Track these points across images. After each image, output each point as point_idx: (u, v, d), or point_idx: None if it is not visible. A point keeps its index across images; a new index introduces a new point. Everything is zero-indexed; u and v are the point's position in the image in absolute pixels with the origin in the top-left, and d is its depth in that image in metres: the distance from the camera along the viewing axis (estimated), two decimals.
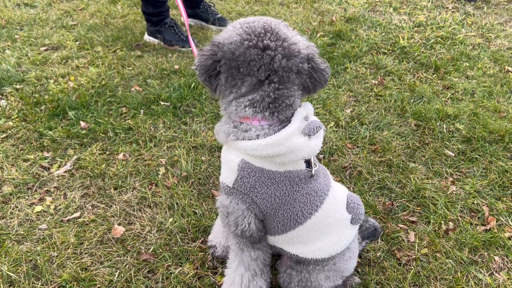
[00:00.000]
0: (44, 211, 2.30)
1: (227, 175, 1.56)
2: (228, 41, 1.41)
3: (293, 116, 1.50)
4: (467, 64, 3.72)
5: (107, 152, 2.70)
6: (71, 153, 2.68)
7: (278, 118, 1.49)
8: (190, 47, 3.95)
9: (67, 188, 2.45)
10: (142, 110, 3.07)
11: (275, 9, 4.86)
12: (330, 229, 1.65)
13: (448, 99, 3.26)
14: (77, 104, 3.07)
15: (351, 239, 1.73)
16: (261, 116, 1.46)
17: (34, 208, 2.31)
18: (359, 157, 2.70)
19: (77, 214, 2.28)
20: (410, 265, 2.05)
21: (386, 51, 3.96)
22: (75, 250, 2.09)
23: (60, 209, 2.31)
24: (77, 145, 2.74)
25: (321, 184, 1.62)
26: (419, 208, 2.36)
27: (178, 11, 4.74)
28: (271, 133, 1.47)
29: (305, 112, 1.53)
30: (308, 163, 1.59)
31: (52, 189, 2.44)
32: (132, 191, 2.44)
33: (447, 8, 4.96)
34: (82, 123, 2.90)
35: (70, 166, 2.57)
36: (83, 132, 2.83)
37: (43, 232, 2.17)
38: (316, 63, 1.47)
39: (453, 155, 2.72)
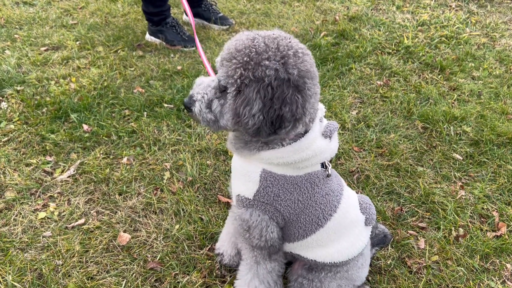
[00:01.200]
0: (48, 218, 2.26)
1: (248, 187, 1.52)
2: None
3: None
4: (473, 65, 3.68)
5: (111, 156, 2.66)
6: (74, 157, 2.63)
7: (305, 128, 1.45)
8: (192, 47, 3.90)
9: (71, 193, 2.41)
10: (145, 113, 3.02)
11: (277, 7, 4.81)
12: (347, 230, 1.64)
13: (454, 100, 3.23)
14: (79, 106, 3.02)
15: (366, 241, 1.72)
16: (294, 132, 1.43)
17: (37, 214, 2.27)
18: (366, 160, 2.67)
19: (82, 220, 2.24)
20: (421, 273, 2.03)
21: (390, 51, 3.92)
22: (81, 258, 2.05)
23: (64, 215, 2.27)
24: (80, 149, 2.70)
25: (335, 183, 1.62)
26: (428, 213, 2.34)
27: (180, 10, 4.69)
28: (296, 139, 1.44)
29: (320, 113, 1.51)
30: (322, 164, 1.57)
31: (55, 195, 2.40)
32: (137, 196, 2.41)
33: (451, 6, 4.92)
34: (85, 126, 2.86)
35: (74, 171, 2.53)
36: (86, 135, 2.79)
37: (48, 240, 2.14)
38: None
39: (461, 158, 2.69)
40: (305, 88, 1.30)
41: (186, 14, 4.39)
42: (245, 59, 1.29)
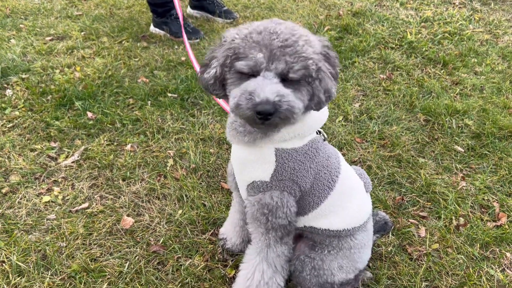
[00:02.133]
0: (52, 201, 2.28)
1: (264, 169, 1.55)
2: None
3: None
4: (475, 60, 3.70)
5: (115, 143, 2.68)
6: (78, 143, 2.65)
7: None
8: (197, 39, 3.92)
9: (75, 178, 2.43)
10: (149, 102, 3.04)
11: (281, 2, 4.82)
12: (353, 193, 1.70)
13: (457, 94, 3.24)
14: (83, 94, 3.04)
15: (371, 207, 1.78)
16: None
17: (42, 198, 2.29)
18: (368, 151, 2.69)
19: (86, 204, 2.26)
20: (421, 260, 2.04)
21: (393, 46, 3.93)
22: (84, 240, 2.07)
23: (68, 199, 2.29)
24: (85, 136, 2.72)
25: (331, 148, 1.69)
26: (429, 203, 2.35)
27: (184, 4, 4.71)
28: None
29: None
30: (317, 132, 1.64)
31: (60, 180, 2.42)
32: (140, 182, 2.43)
33: (454, 3, 4.93)
34: (89, 114, 2.88)
35: (78, 157, 2.55)
36: (90, 122, 2.81)
37: (52, 222, 2.16)
38: None
39: (463, 150, 2.71)
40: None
41: (191, 7, 4.41)
42: (305, 38, 1.36)
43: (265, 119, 1.30)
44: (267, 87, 1.29)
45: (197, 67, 2.15)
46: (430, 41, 4.02)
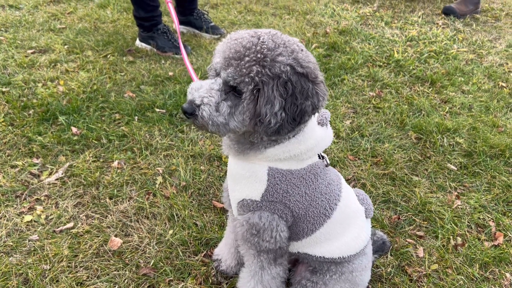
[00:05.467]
0: (34, 221, 2.15)
1: (255, 188, 1.46)
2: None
3: None
4: (462, 79, 3.73)
5: (101, 160, 2.58)
6: (62, 160, 2.54)
7: None
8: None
9: (59, 196, 2.31)
10: (136, 117, 2.95)
11: (268, 19, 4.82)
12: (351, 221, 1.62)
13: (446, 112, 3.25)
14: (67, 109, 2.93)
15: (369, 234, 1.70)
16: None
17: (23, 217, 2.16)
18: (362, 169, 2.65)
19: (71, 224, 2.15)
20: (421, 282, 1.99)
21: (381, 64, 3.94)
22: (69, 263, 1.96)
23: (52, 219, 2.17)
24: (69, 152, 2.61)
25: (333, 173, 1.60)
26: (426, 222, 2.31)
27: (170, 19, 4.65)
28: (297, 131, 1.41)
29: None
30: (319, 155, 1.54)
31: (42, 198, 2.29)
32: (128, 200, 2.32)
33: (437, 24, 5.01)
34: (74, 129, 2.77)
35: (62, 174, 2.44)
36: (75, 138, 2.70)
37: (34, 244, 2.03)
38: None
39: (456, 169, 2.69)
40: (319, 80, 1.29)
41: (181, 14, 4.34)
42: (258, 55, 1.24)
43: (187, 117, 1.33)
44: (201, 89, 1.31)
45: (195, 78, 2.08)
46: (416, 59, 4.05)
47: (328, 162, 1.55)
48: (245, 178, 1.49)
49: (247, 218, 1.49)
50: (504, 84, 3.68)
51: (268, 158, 1.41)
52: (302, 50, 1.31)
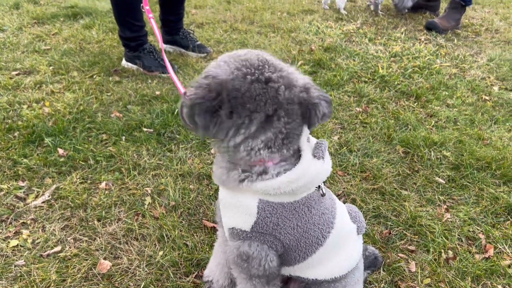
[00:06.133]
0: (20, 246, 2.10)
1: (244, 220, 1.43)
2: (230, 77, 1.28)
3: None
4: (446, 93, 3.79)
5: (88, 181, 2.54)
6: (49, 182, 2.50)
7: (293, 149, 1.40)
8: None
9: (46, 220, 2.26)
10: (123, 137, 2.93)
11: (253, 37, 4.86)
12: (344, 243, 1.59)
13: (432, 126, 3.29)
14: (53, 130, 2.90)
15: (361, 251, 1.68)
16: (279, 155, 1.37)
17: (9, 242, 2.11)
18: (351, 184, 2.65)
19: (58, 248, 2.10)
20: None
21: (366, 79, 3.99)
22: None
23: (38, 243, 2.13)
24: (55, 174, 2.57)
25: (328, 200, 1.57)
26: (417, 236, 2.31)
27: (155, 39, 4.66)
28: (290, 167, 1.38)
29: (305, 134, 1.47)
30: None
31: (29, 221, 2.25)
32: (117, 222, 2.28)
33: (420, 39, 5.11)
34: (60, 151, 2.73)
35: (49, 196, 2.39)
36: (62, 160, 2.66)
37: (21, 269, 1.98)
38: (311, 92, 1.34)
39: (444, 182, 2.71)
40: (244, 100, 1.29)
41: (164, 41, 4.37)
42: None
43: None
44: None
45: (182, 90, 2.07)
46: (401, 75, 4.11)
47: (324, 192, 1.49)
48: (235, 207, 1.46)
49: (237, 245, 1.47)
50: (487, 98, 3.75)
51: (258, 191, 1.38)
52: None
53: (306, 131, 1.47)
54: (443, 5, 6.20)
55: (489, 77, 4.17)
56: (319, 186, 1.48)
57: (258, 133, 1.31)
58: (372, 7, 6.00)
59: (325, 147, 1.44)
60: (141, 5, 3.29)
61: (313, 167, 1.37)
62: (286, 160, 1.40)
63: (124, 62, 3.97)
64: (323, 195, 1.49)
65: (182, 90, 2.06)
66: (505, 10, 6.48)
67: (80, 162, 2.67)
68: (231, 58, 1.34)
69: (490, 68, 4.37)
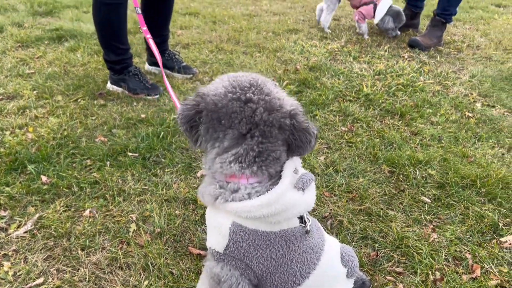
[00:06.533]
0: (1, 279, 2.06)
1: (217, 241, 1.44)
2: (213, 92, 1.38)
3: (282, 170, 1.43)
4: (430, 111, 3.83)
5: (72, 209, 2.50)
6: (31, 211, 2.46)
7: (268, 172, 1.41)
8: (156, 95, 3.85)
9: (28, 250, 2.22)
10: (108, 162, 2.90)
11: (239, 58, 4.89)
12: (328, 286, 1.56)
13: (417, 145, 3.31)
14: (37, 157, 2.86)
15: None
16: (249, 172, 1.38)
17: None
18: (338, 205, 2.65)
19: (41, 280, 2.06)
20: None
21: (351, 98, 4.02)
22: None
23: (20, 275, 2.08)
24: (38, 202, 2.53)
25: (316, 239, 1.55)
26: (404, 258, 2.31)
27: (141, 60, 4.67)
28: (263, 191, 1.39)
29: (294, 165, 1.47)
30: (301, 218, 1.51)
31: (10, 253, 2.20)
32: (101, 251, 2.25)
33: (403, 57, 5.18)
34: (43, 178, 2.69)
35: (31, 226, 2.35)
36: (45, 187, 2.63)
37: None
38: (298, 121, 1.39)
39: (430, 201, 2.72)
40: (219, 115, 1.37)
41: (149, 63, 4.37)
42: None
43: None
44: None
45: (178, 104, 2.11)
46: (385, 93, 4.15)
47: (309, 229, 1.48)
48: (213, 226, 1.49)
49: (211, 266, 1.48)
50: (470, 114, 3.79)
51: (231, 212, 1.39)
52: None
53: (294, 160, 1.48)
54: (424, 22, 6.31)
55: (471, 94, 4.22)
56: (305, 223, 1.48)
57: (230, 147, 1.37)
58: (358, 30, 6.01)
59: (308, 180, 1.44)
60: (139, 26, 3.34)
61: (289, 196, 1.37)
62: (261, 182, 1.41)
63: (109, 85, 3.95)
64: (307, 232, 1.48)
65: (178, 104, 2.12)
66: (486, 27, 6.61)
67: (64, 189, 2.63)
68: (226, 77, 1.43)
69: (473, 85, 4.43)
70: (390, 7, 5.61)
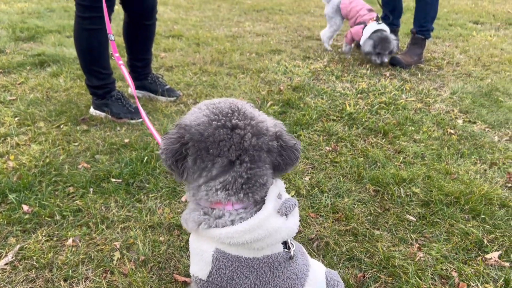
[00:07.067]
0: None
1: (200, 268, 1.43)
2: (196, 122, 1.36)
3: (266, 195, 1.43)
4: (413, 128, 3.87)
5: (55, 238, 2.46)
6: (12, 241, 2.41)
7: (254, 199, 1.41)
8: (140, 119, 3.84)
9: (9, 283, 2.16)
10: (91, 189, 2.87)
11: (223, 79, 4.91)
12: None
13: (401, 163, 3.34)
14: (18, 185, 2.82)
15: None
16: (235, 199, 1.38)
17: None
18: (324, 226, 2.64)
19: None
20: None
21: (335, 117, 4.05)
22: None
23: None
24: (20, 232, 2.48)
25: (300, 264, 1.54)
26: (391, 278, 2.30)
27: (124, 84, 4.66)
28: (247, 217, 1.39)
29: (277, 190, 1.47)
30: (285, 243, 1.50)
31: None
32: (84, 281, 2.20)
33: (385, 75, 5.25)
34: (25, 207, 2.65)
35: (12, 257, 2.30)
36: (26, 217, 2.58)
37: None
38: (284, 140, 1.43)
39: (415, 219, 2.73)
40: (207, 144, 1.36)
41: (136, 79, 4.36)
42: None
43: None
44: None
45: (157, 137, 2.07)
46: (368, 111, 4.19)
47: (292, 254, 1.47)
48: (196, 253, 1.47)
49: None
50: (452, 131, 3.84)
51: (214, 239, 1.38)
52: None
53: (278, 184, 1.48)
54: (405, 40, 6.43)
55: (453, 110, 4.29)
56: (288, 248, 1.47)
57: (218, 175, 1.36)
58: (343, 50, 6.06)
59: (292, 205, 1.43)
60: (111, 53, 3.31)
61: (272, 222, 1.37)
62: (246, 208, 1.41)
63: (92, 110, 3.93)
64: (291, 257, 1.47)
65: (157, 137, 2.09)
66: (465, 43, 6.76)
67: (46, 218, 2.59)
68: (204, 105, 1.41)
69: (454, 101, 4.51)
70: (377, 31, 5.37)
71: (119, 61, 3.14)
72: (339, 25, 5.93)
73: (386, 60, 5.48)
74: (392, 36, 5.43)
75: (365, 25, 5.48)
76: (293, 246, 1.51)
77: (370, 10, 5.62)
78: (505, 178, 3.17)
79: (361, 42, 5.52)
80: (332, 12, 5.94)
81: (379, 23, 5.42)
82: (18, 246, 2.37)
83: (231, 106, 1.39)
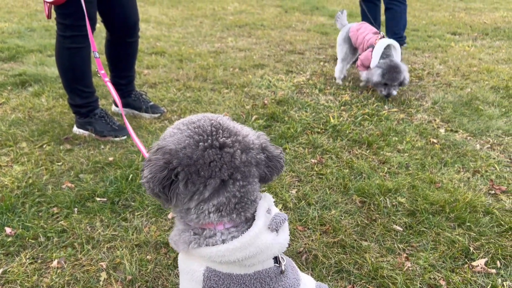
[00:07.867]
0: None
1: (191, 287, 1.41)
2: (181, 145, 1.30)
3: (256, 211, 1.42)
4: (396, 139, 3.92)
5: (39, 261, 2.41)
6: None
7: (245, 216, 1.40)
8: (124, 136, 3.81)
9: None
10: (76, 209, 2.83)
11: (207, 95, 4.92)
12: None
13: (385, 173, 3.36)
14: (0, 208, 2.76)
15: None
16: (228, 219, 1.36)
17: None
18: (312, 239, 2.64)
19: None
20: None
21: (319, 130, 4.08)
22: None
23: None
24: (3, 256, 2.43)
25: (291, 279, 1.53)
26: None
27: (108, 102, 4.64)
28: (239, 235, 1.37)
29: (266, 204, 1.46)
30: (275, 258, 1.49)
31: None
32: None
33: (367, 87, 5.32)
34: (8, 229, 2.60)
35: None
36: (9, 239, 2.53)
37: None
38: (270, 151, 1.43)
39: (401, 229, 2.75)
40: (197, 167, 1.32)
41: (116, 105, 4.35)
42: None
43: None
44: None
45: (144, 152, 2.03)
46: (352, 123, 4.23)
47: (283, 269, 1.45)
48: (185, 273, 1.44)
49: None
50: (435, 140, 3.90)
51: (204, 257, 1.36)
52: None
53: (267, 199, 1.48)
54: None
55: (435, 120, 4.36)
56: (279, 262, 1.46)
57: (211, 198, 1.32)
58: (362, 78, 5.71)
59: (282, 220, 1.41)
60: (96, 70, 3.29)
61: (263, 238, 1.35)
62: (238, 226, 1.39)
63: (75, 129, 3.90)
64: (282, 272, 1.46)
65: (144, 152, 2.05)
66: (444, 54, 6.89)
67: (30, 240, 2.54)
68: (183, 125, 1.35)
69: (435, 111, 4.58)
70: (386, 57, 4.78)
71: (105, 78, 3.12)
72: (347, 53, 5.42)
73: (394, 92, 4.79)
74: (403, 66, 4.81)
75: (373, 48, 4.94)
76: (283, 260, 1.50)
77: (375, 33, 5.18)
78: (488, 185, 3.21)
79: (371, 66, 4.93)
80: (341, 39, 5.52)
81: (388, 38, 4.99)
82: (1, 269, 2.32)
83: (212, 123, 1.35)
